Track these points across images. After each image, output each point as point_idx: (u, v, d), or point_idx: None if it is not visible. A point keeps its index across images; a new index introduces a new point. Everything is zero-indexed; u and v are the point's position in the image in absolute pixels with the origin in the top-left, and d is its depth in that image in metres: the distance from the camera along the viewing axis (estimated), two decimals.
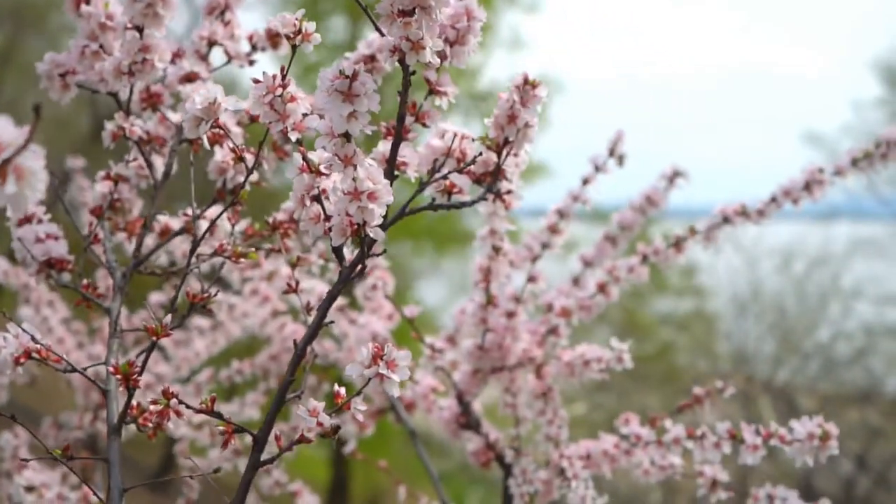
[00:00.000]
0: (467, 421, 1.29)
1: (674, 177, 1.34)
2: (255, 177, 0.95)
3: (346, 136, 0.72)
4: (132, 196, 1.05)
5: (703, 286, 9.00)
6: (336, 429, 0.78)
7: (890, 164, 1.11)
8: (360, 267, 0.79)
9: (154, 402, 0.74)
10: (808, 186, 1.15)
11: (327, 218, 0.77)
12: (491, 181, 0.88)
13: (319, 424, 0.77)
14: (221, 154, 0.94)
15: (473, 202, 0.85)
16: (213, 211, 0.98)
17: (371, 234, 0.74)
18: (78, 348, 1.70)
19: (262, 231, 1.02)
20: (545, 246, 1.22)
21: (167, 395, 0.74)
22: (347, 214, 0.73)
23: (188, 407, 0.75)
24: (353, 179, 0.72)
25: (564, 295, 1.26)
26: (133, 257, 0.92)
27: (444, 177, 0.83)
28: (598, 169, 1.21)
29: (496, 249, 1.14)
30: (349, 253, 0.80)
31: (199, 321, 1.81)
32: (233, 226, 0.92)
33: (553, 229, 1.22)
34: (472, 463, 1.31)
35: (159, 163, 1.02)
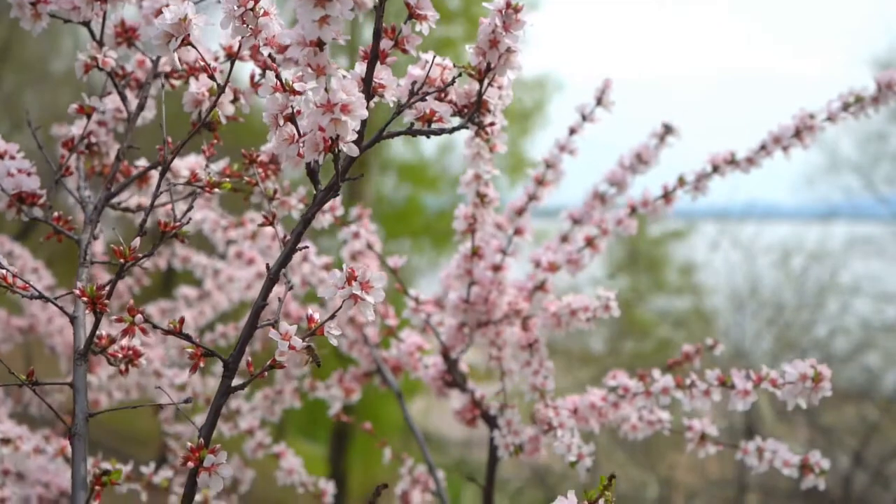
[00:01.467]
0: (453, 379, 1.27)
1: (664, 134, 1.32)
2: (230, 109, 0.94)
3: (319, 45, 0.70)
4: (109, 139, 1.03)
5: (701, 285, 8.99)
6: (310, 352, 0.76)
7: (881, 107, 1.08)
8: (335, 188, 0.76)
9: (119, 320, 0.72)
10: (798, 133, 1.13)
11: (302, 138, 0.75)
12: (473, 111, 0.86)
13: (292, 348, 0.75)
14: (196, 86, 0.92)
15: (454, 129, 0.83)
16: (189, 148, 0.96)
17: (345, 150, 0.72)
18: (61, 315, 1.68)
19: (239, 171, 1.00)
20: (532, 198, 1.20)
21: (132, 311, 0.72)
22: (320, 129, 0.71)
23: (155, 327, 0.73)
24: (326, 90, 0.70)
25: (552, 251, 1.24)
26: (105, 189, 0.90)
27: (422, 99, 0.80)
28: (584, 118, 1.19)
29: (481, 196, 1.12)
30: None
31: (185, 290, 1.79)
32: (207, 159, 0.90)
33: (540, 181, 1.20)
34: (458, 422, 1.28)
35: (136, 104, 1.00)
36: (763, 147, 1.15)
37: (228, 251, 1.51)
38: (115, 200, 0.94)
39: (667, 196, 1.21)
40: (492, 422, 1.19)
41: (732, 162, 1.17)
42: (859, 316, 7.26)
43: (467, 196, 1.12)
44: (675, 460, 6.59)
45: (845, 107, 1.11)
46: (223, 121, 0.92)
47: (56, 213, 0.88)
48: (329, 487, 1.37)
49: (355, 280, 0.72)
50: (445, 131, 0.82)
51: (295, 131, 0.75)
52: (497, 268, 1.19)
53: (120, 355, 0.84)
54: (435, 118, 0.83)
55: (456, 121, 0.87)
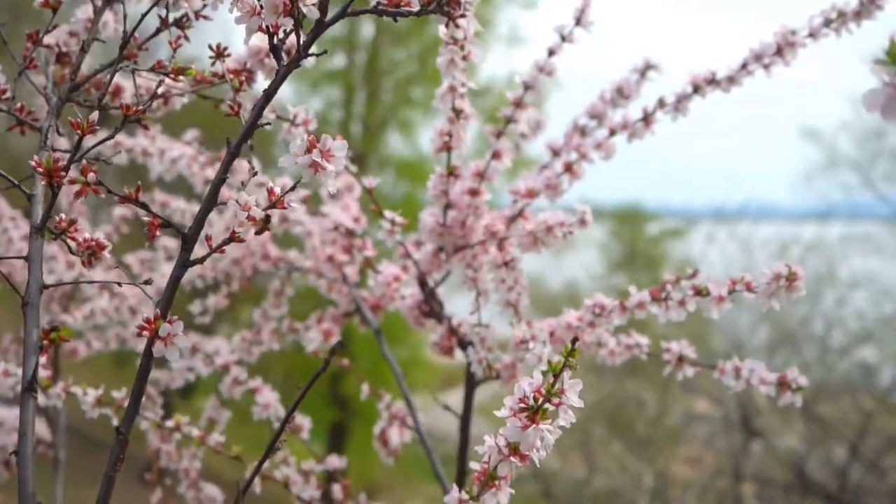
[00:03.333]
0: (430, 308, 1.26)
1: (645, 69, 1.31)
2: (198, 3, 0.92)
3: None
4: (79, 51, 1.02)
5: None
6: (266, 220, 0.74)
7: (863, 21, 1.07)
8: (297, 61, 0.75)
9: (72, 182, 0.71)
10: (779, 50, 1.11)
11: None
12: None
13: (251, 219, 0.74)
14: None
15: (420, 12, 0.81)
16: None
17: (305, 12, 0.71)
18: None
19: (208, 77, 0.98)
20: (509, 120, 1.19)
21: (85, 171, 0.70)
22: None
23: (110, 192, 0.72)
24: None
25: (531, 179, 1.23)
26: (69, 80, 0.88)
27: None
28: (563, 39, 1.17)
29: (457, 112, 1.11)
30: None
31: (165, 241, 1.77)
32: (174, 49, 0.89)
33: (518, 103, 1.18)
34: (436, 353, 1.27)
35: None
36: (744, 65, 1.14)
37: (206, 190, 1.49)
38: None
39: (646, 118, 1.19)
40: (467, 347, 1.17)
41: (713, 82, 1.16)
42: (856, 310, 7.24)
43: (443, 111, 1.10)
44: (673, 452, 6.57)
45: (827, 23, 1.09)
46: (192, 16, 0.91)
47: (18, 104, 0.87)
48: (306, 423, 1.35)
49: (315, 148, 0.71)
50: (412, 14, 0.81)
51: (257, 2, 0.74)
52: (475, 192, 1.18)
53: (83, 246, 0.82)
54: (403, 1, 0.81)
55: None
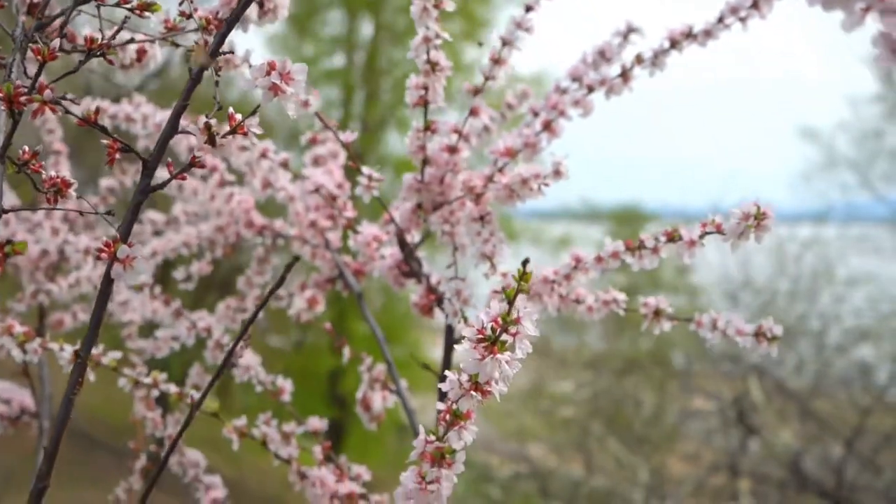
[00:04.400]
0: (410, 268, 1.25)
1: (628, 33, 1.30)
2: None
3: None
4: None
5: (696, 285, 8.98)
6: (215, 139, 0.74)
7: None
8: None
9: (29, 100, 0.70)
10: (756, 3, 1.11)
11: None
12: None
13: (210, 142, 0.73)
14: None
15: None
16: None
17: None
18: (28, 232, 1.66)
19: (176, 25, 0.98)
20: (487, 78, 1.18)
21: (41, 89, 0.70)
22: None
23: (67, 112, 0.71)
24: None
25: (510, 137, 1.22)
26: (37, 20, 0.88)
27: None
28: None
29: (432, 64, 1.10)
30: None
31: (152, 215, 1.77)
32: None
33: (496, 60, 1.18)
34: (416, 314, 1.26)
35: None
36: (720, 19, 1.13)
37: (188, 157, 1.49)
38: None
39: (624, 74, 1.19)
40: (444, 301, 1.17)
41: (690, 35, 1.16)
42: (854, 308, 7.23)
43: (417, 63, 1.10)
44: (671, 449, 6.56)
45: None
46: None
47: None
48: (287, 385, 1.34)
49: (275, 70, 0.71)
50: None
51: None
52: (452, 149, 1.17)
53: (48, 183, 0.82)
54: None
55: None
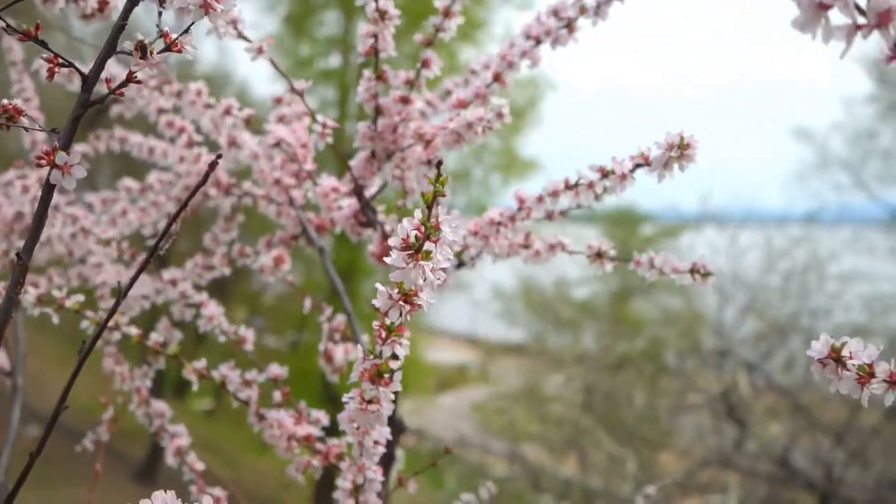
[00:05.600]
0: (366, 217, 1.29)
1: None
2: None
3: None
4: None
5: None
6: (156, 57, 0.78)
7: None
8: None
9: None
10: None
11: None
12: None
13: (144, 59, 0.77)
14: None
15: None
16: None
17: None
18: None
19: None
20: (438, 30, 1.23)
21: None
22: None
23: (8, 28, 0.75)
24: None
25: (462, 88, 1.26)
26: None
27: None
28: None
29: (381, 13, 1.15)
30: None
31: (128, 182, 1.81)
32: None
33: (447, 13, 1.22)
34: (374, 264, 1.30)
35: None
36: None
37: (159, 119, 1.53)
38: None
39: (569, 25, 1.23)
40: None
41: None
42: (845, 304, 7.26)
43: (367, 12, 1.14)
44: (662, 443, 6.59)
45: None
46: None
47: None
48: (249, 335, 1.38)
49: None
50: None
51: None
52: (405, 100, 1.22)
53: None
54: None
55: None
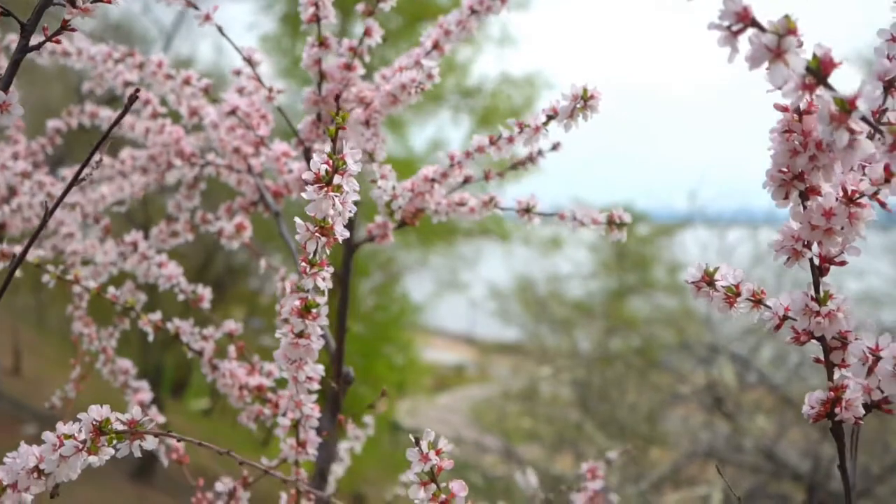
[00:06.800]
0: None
1: None
2: None
3: None
4: None
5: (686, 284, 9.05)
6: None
7: None
8: None
9: None
10: None
11: None
12: None
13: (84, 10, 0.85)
14: None
15: None
16: None
17: None
18: None
19: None
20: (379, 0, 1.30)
21: None
22: None
23: None
24: None
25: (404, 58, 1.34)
26: None
27: None
28: None
29: None
30: None
31: (106, 159, 1.89)
32: None
33: None
34: None
35: None
36: None
37: (125, 92, 1.60)
38: None
39: None
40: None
41: None
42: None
43: None
44: (651, 436, 6.65)
45: None
46: None
47: None
48: (206, 293, 1.45)
49: None
50: None
51: None
52: (348, 66, 1.29)
53: None
54: None
55: None
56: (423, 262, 11.32)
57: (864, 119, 0.60)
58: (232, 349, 1.40)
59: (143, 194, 1.65)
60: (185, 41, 10.11)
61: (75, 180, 0.80)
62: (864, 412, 0.79)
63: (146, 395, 1.49)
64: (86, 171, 0.80)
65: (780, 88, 0.60)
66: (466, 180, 1.29)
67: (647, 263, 10.97)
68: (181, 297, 1.47)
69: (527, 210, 1.25)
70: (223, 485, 1.14)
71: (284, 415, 1.17)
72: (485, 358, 13.25)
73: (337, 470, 1.95)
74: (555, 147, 1.33)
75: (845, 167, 0.69)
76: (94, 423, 0.83)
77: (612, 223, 1.17)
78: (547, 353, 9.57)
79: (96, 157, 0.80)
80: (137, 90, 0.81)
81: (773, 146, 0.71)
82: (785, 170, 0.71)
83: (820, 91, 0.61)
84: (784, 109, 0.69)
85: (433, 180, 1.22)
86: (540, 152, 1.35)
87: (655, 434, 6.68)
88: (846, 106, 0.60)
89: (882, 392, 0.86)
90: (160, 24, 10.35)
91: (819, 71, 0.60)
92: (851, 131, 0.60)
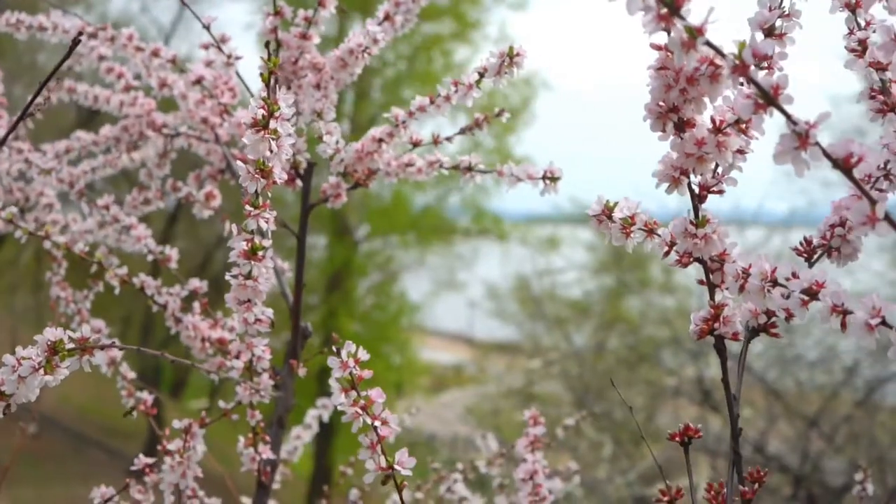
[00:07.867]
0: None
1: None
2: None
3: None
4: None
5: (683, 284, 9.15)
6: None
7: None
8: None
9: None
10: None
11: None
12: None
13: None
14: None
15: None
16: None
17: None
18: None
19: None
20: None
21: None
22: None
23: None
24: None
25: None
26: None
27: None
28: None
29: None
30: None
31: (80, 134, 1.96)
32: None
33: None
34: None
35: None
36: None
37: (100, 66, 1.68)
38: None
39: None
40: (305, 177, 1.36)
41: None
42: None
43: None
44: (642, 431, 6.70)
45: None
46: None
47: None
48: (173, 254, 1.53)
49: None
50: None
51: None
52: (304, 36, 1.37)
53: None
54: None
55: None
56: (421, 262, 11.41)
57: (708, 43, 0.67)
58: (196, 305, 1.48)
59: (118, 164, 1.73)
60: (183, 41, 10.23)
61: (24, 114, 0.88)
62: (742, 329, 0.86)
63: (116, 352, 1.56)
64: (33, 106, 0.88)
65: (634, 16, 0.68)
66: (415, 144, 1.36)
67: (643, 262, 11.04)
68: (150, 258, 1.55)
69: (469, 168, 1.32)
70: (179, 423, 1.21)
71: (238, 357, 1.25)
72: (483, 358, 13.31)
73: (304, 435, 2.03)
74: (499, 114, 1.40)
75: (712, 99, 0.77)
76: (49, 343, 0.90)
77: (545, 178, 1.25)
78: (541, 351, 9.63)
79: (42, 95, 0.88)
80: (80, 33, 0.89)
81: (650, 82, 0.78)
82: (662, 104, 0.79)
83: (678, 22, 0.69)
84: (659, 48, 0.77)
85: (380, 140, 1.30)
86: (486, 118, 1.42)
87: (647, 427, 6.74)
88: (694, 33, 0.67)
89: (768, 317, 0.94)
90: (158, 24, 10.48)
91: (672, 3, 0.68)
92: (699, 56, 0.68)
